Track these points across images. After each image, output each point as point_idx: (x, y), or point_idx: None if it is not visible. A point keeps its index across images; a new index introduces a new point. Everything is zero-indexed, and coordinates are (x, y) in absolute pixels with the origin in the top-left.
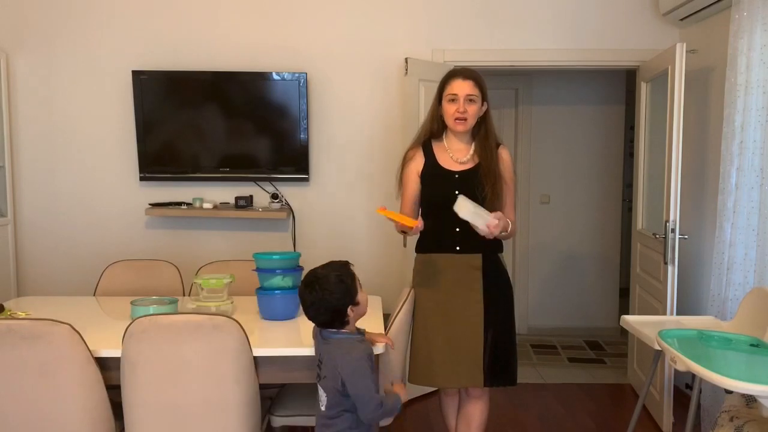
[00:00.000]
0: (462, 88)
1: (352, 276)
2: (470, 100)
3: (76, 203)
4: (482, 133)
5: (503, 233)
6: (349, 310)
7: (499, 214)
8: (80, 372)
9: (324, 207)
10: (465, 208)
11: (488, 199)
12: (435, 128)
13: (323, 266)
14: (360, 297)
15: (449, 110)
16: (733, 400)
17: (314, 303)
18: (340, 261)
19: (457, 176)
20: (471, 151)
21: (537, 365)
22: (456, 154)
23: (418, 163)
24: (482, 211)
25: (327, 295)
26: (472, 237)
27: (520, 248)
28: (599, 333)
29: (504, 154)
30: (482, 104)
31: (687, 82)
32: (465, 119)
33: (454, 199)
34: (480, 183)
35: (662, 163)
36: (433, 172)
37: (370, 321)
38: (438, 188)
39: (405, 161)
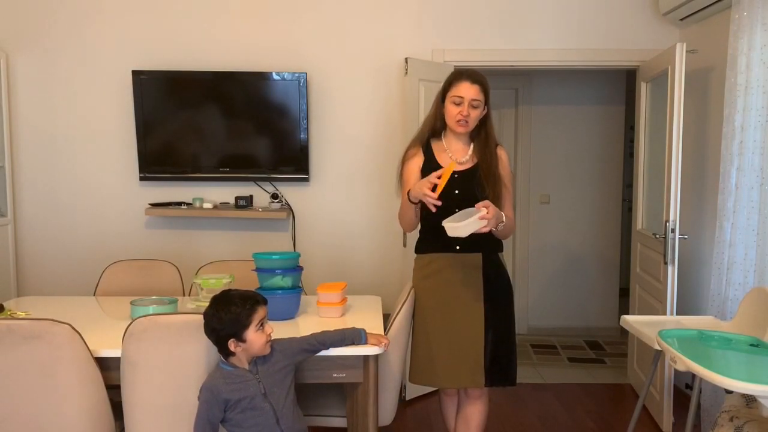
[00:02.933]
0: (468, 91)
1: (251, 313)
2: (474, 105)
3: (76, 203)
4: (482, 136)
5: (500, 226)
6: (231, 342)
7: (485, 202)
8: (80, 372)
9: (324, 207)
10: (457, 229)
11: (488, 200)
12: (437, 126)
13: (241, 292)
14: (251, 336)
15: (452, 111)
16: (733, 400)
17: (205, 319)
18: (256, 296)
19: (456, 176)
20: (470, 152)
21: (537, 365)
22: (455, 154)
23: (418, 160)
24: (470, 215)
25: (215, 316)
26: (471, 236)
27: (520, 248)
28: (599, 333)
29: (502, 154)
30: (484, 108)
31: (687, 82)
32: (467, 122)
33: (453, 198)
34: (480, 184)
35: (662, 163)
36: (432, 172)
37: (370, 321)
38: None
39: (405, 159)
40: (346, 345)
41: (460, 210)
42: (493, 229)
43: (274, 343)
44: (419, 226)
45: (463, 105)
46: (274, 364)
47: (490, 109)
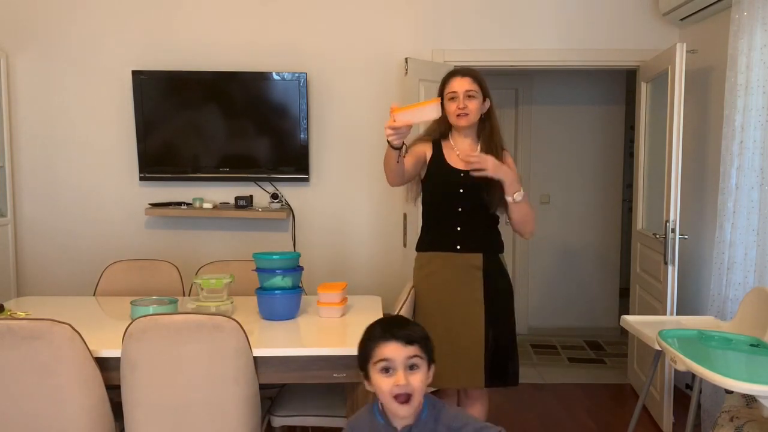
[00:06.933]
0: (460, 85)
1: (373, 345)
2: (470, 96)
3: (76, 203)
4: (487, 131)
5: (517, 195)
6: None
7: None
8: (80, 372)
9: (324, 207)
10: (408, 113)
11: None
12: (442, 130)
13: (391, 318)
14: (372, 374)
15: (451, 108)
16: (733, 400)
17: None
18: (395, 328)
19: (461, 175)
20: (477, 151)
21: (537, 365)
22: (462, 154)
23: (426, 148)
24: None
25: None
26: (473, 236)
27: (520, 248)
28: (599, 333)
29: (507, 158)
30: (483, 100)
31: (687, 82)
32: (467, 114)
33: (456, 197)
34: (485, 182)
35: (662, 163)
36: (438, 169)
37: (370, 321)
38: (441, 186)
39: (417, 140)
40: None
41: (463, 209)
42: (511, 198)
43: (440, 416)
44: (420, 223)
45: (458, 99)
46: None
47: (493, 104)
